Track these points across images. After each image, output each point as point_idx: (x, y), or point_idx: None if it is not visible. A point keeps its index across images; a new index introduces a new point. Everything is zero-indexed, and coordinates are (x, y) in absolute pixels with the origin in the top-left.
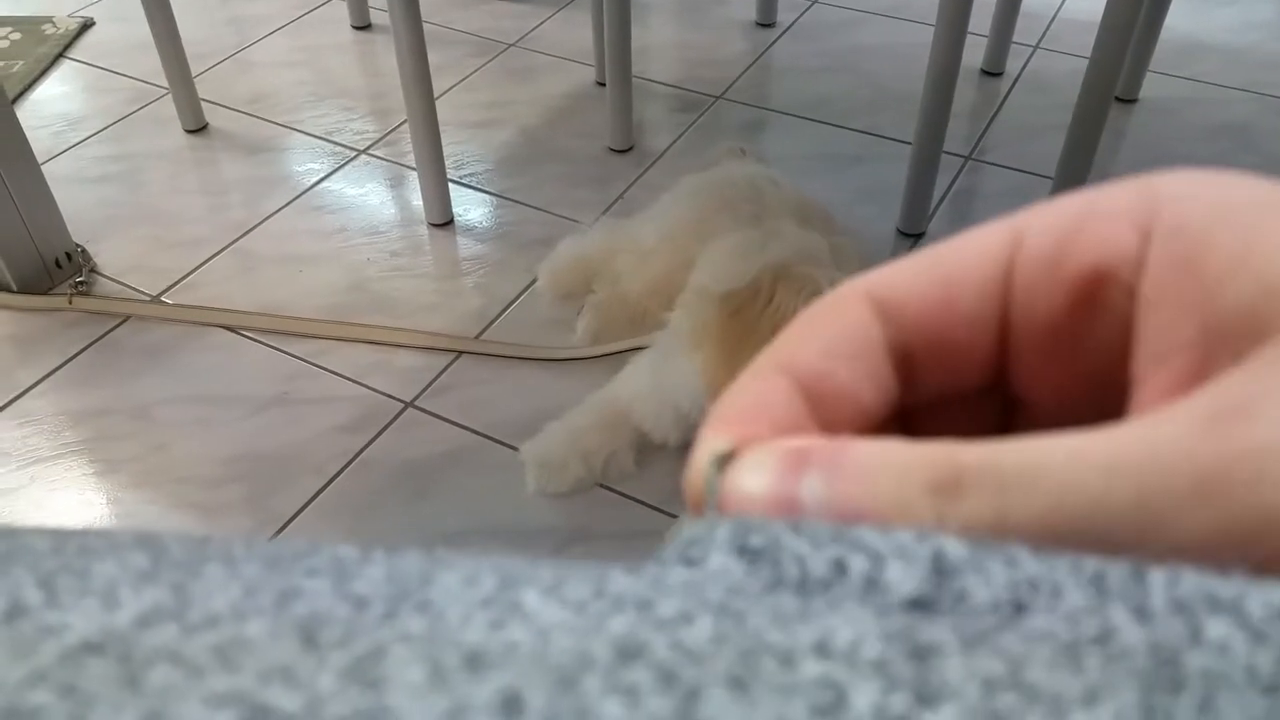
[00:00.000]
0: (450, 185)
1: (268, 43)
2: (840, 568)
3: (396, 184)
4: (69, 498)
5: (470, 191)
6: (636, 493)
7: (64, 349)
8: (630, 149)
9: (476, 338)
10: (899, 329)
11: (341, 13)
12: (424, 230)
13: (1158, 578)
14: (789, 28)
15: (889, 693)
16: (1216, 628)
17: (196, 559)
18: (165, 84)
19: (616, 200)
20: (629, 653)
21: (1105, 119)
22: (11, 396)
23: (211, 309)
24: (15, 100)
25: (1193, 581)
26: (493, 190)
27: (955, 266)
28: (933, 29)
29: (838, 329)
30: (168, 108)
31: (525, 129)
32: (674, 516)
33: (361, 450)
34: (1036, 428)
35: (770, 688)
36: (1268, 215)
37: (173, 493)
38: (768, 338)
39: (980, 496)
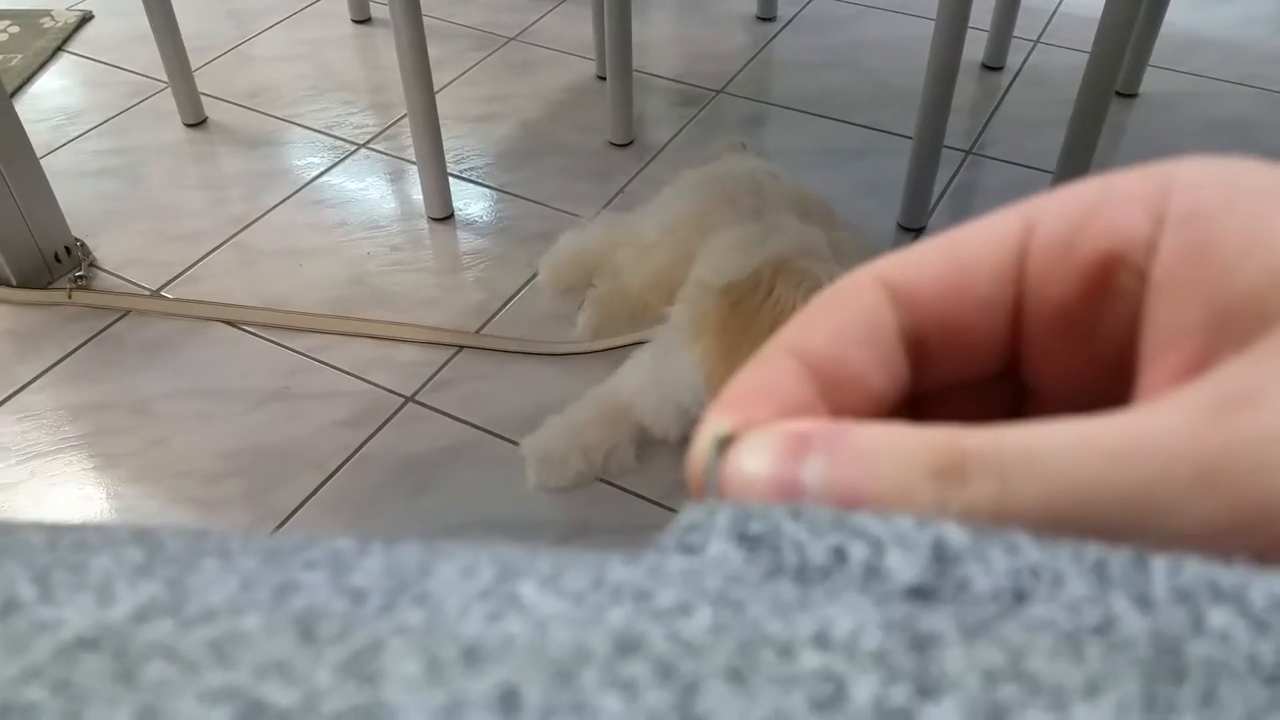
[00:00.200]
0: (450, 179)
1: (267, 36)
2: (840, 555)
3: (397, 178)
4: (68, 492)
5: (470, 185)
6: (637, 487)
7: (63, 343)
8: (631, 143)
9: (477, 332)
10: (911, 314)
11: (341, 6)
12: (424, 224)
13: (1159, 566)
14: (790, 22)
15: (889, 684)
16: (1218, 617)
17: (193, 553)
18: (164, 78)
19: (617, 194)
20: (627, 645)
21: (1105, 114)
22: (11, 391)
23: (211, 303)
24: (14, 94)
25: (1195, 570)
26: (493, 184)
27: (969, 251)
28: (933, 23)
29: (850, 314)
30: (167, 101)
31: (525, 123)
32: (674, 511)
33: (362, 445)
34: (1048, 415)
35: (769, 680)
36: (1277, 202)
37: (172, 487)
38: (767, 331)
39: (982, 481)
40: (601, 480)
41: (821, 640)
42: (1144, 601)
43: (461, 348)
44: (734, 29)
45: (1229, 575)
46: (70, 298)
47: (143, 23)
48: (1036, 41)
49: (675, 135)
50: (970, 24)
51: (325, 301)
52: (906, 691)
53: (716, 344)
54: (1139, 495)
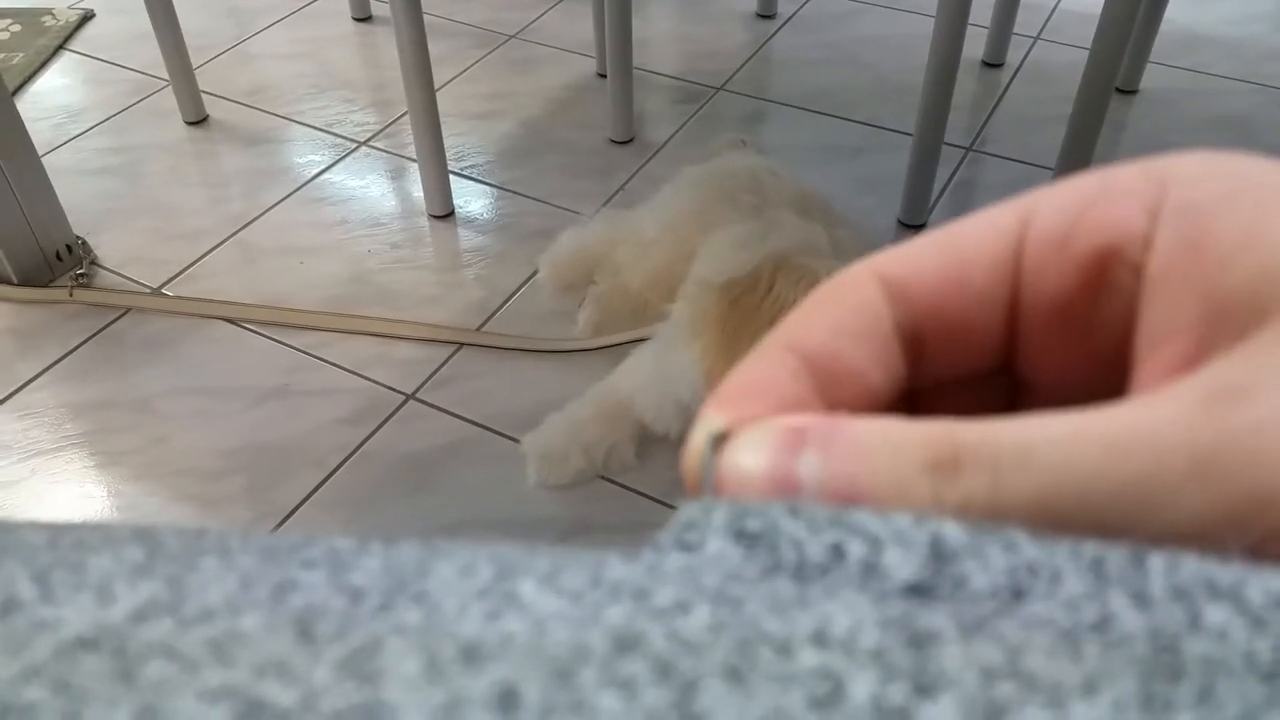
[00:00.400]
0: (451, 177)
1: (268, 34)
2: (838, 553)
3: (397, 176)
4: (70, 490)
5: (471, 183)
6: (637, 484)
7: (64, 341)
8: (631, 140)
9: (478, 330)
10: (908, 309)
11: (342, 4)
12: (425, 222)
13: (1157, 563)
14: (789, 19)
15: (887, 683)
16: (1216, 614)
17: (192, 552)
18: (165, 76)
19: (617, 192)
20: (626, 644)
21: (1105, 110)
22: (12, 389)
23: (212, 301)
24: (15, 92)
25: (1192, 568)
26: (493, 182)
27: (965, 246)
28: (933, 20)
29: (847, 308)
30: (168, 100)
31: (526, 120)
32: (675, 508)
33: (362, 443)
34: (1043, 409)
35: (767, 678)
36: (1274, 198)
37: (173, 485)
38: (767, 327)
39: (977, 474)
40: (602, 477)
41: (819, 638)
42: (1141, 599)
43: (462, 345)
44: (734, 26)
45: (1226, 573)
46: (71, 296)
47: (144, 21)
48: (1036, 38)
49: (675, 132)
50: (970, 20)
51: (326, 299)
52: (904, 689)
53: (716, 341)
54: (1133, 487)
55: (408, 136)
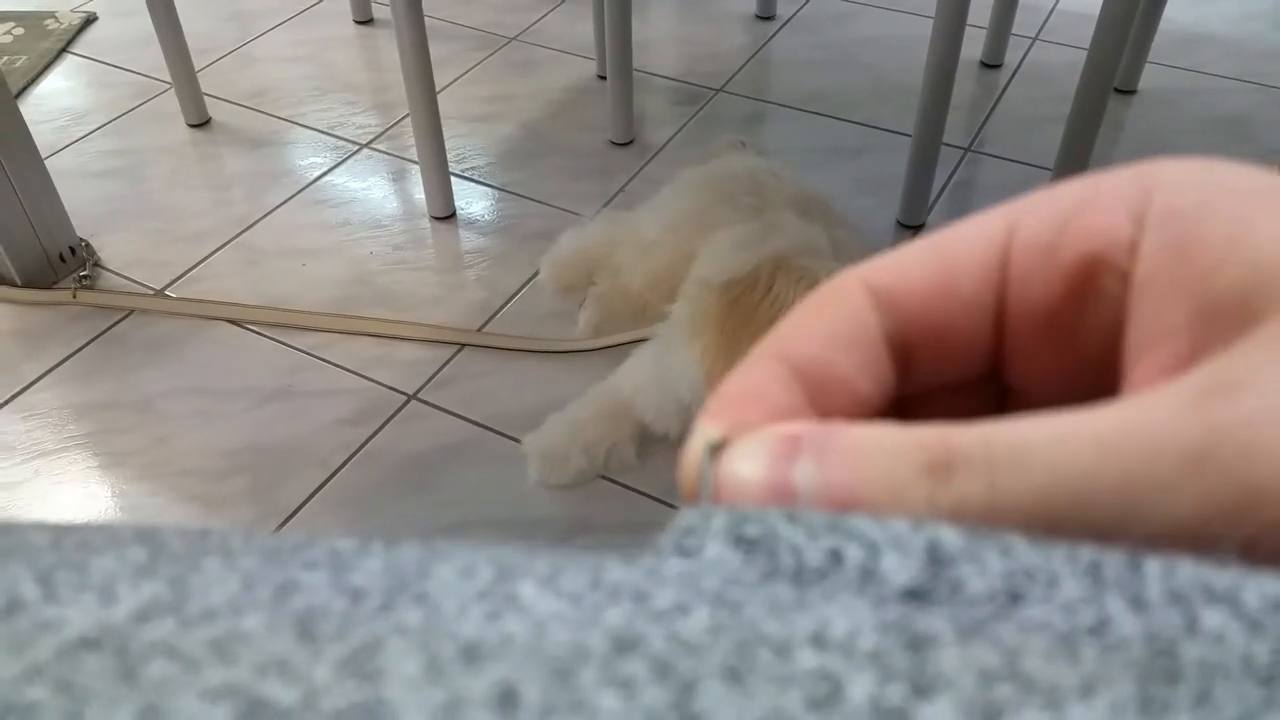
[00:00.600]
0: (452, 179)
1: (270, 37)
2: (836, 558)
3: (399, 178)
4: (73, 491)
5: (472, 185)
6: (638, 484)
7: (68, 343)
8: (631, 142)
9: (479, 330)
10: (896, 317)
11: (344, 7)
12: (426, 224)
13: (1153, 568)
14: (789, 21)
15: (885, 684)
16: (1212, 618)
17: (195, 553)
18: (168, 79)
19: (617, 193)
20: (625, 644)
21: (1104, 110)
22: (16, 390)
23: (215, 302)
24: (18, 95)
25: (1188, 572)
26: (494, 183)
27: (951, 254)
28: (932, 21)
29: (835, 318)
30: (170, 102)
31: (527, 122)
32: (675, 508)
33: (365, 443)
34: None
35: (766, 679)
36: (1259, 202)
37: (176, 485)
38: (766, 328)
39: (971, 477)
40: (603, 477)
41: (818, 640)
42: (1138, 603)
43: (463, 346)
44: (733, 28)
45: (1222, 577)
46: (74, 297)
47: (146, 24)
48: (1035, 39)
49: (675, 134)
50: (969, 21)
51: (328, 300)
52: (902, 691)
53: (716, 341)
54: (1127, 485)
55: (409, 139)
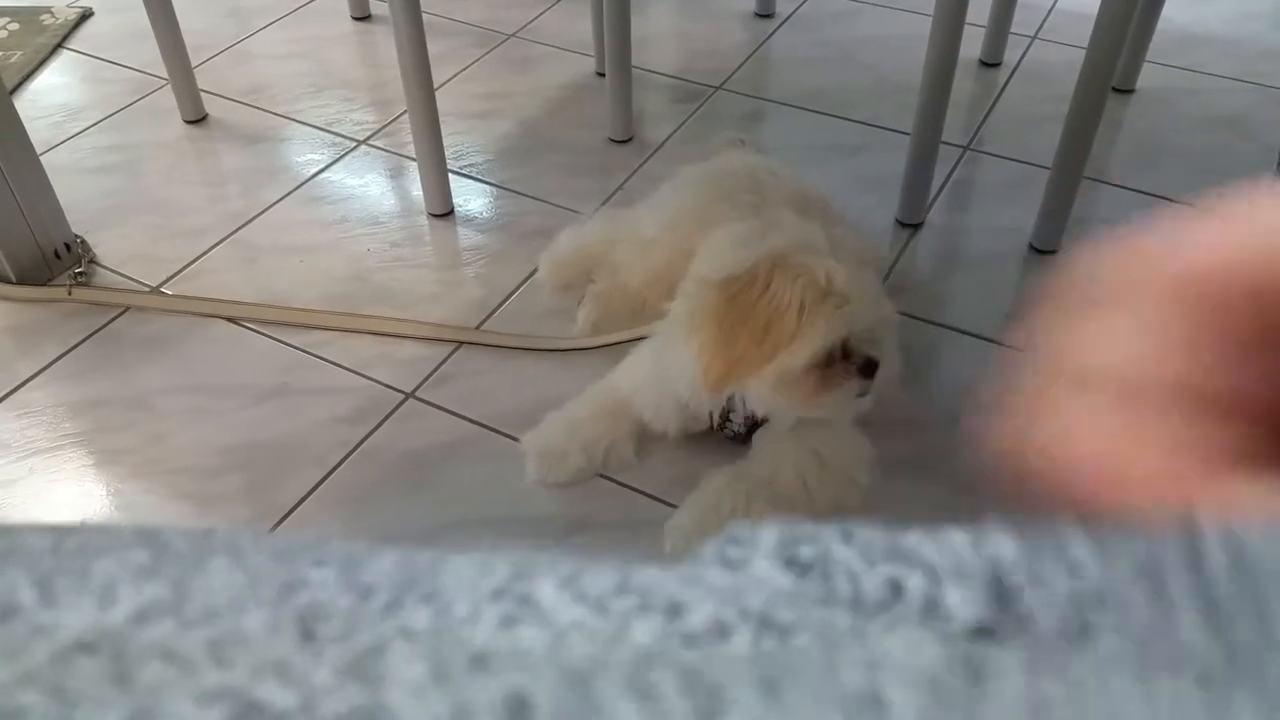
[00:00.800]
0: (450, 176)
1: (267, 33)
2: (896, 589)
3: (396, 174)
4: (68, 489)
5: (470, 182)
6: (636, 482)
7: (63, 340)
8: (630, 139)
9: (477, 328)
10: None
11: (341, 3)
12: (424, 221)
13: (1217, 566)
14: (788, 18)
15: (936, 705)
16: None
17: (201, 553)
18: (164, 74)
19: (616, 191)
20: (651, 663)
21: (1102, 109)
22: (11, 388)
23: (211, 300)
24: (14, 91)
25: (1252, 572)
26: (493, 181)
27: None
28: (931, 20)
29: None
30: (167, 98)
31: (525, 120)
32: (674, 506)
33: (362, 441)
34: None
35: (806, 692)
36: None
37: (172, 484)
38: (763, 324)
39: None
40: (601, 475)
41: (871, 665)
42: (1211, 608)
43: (461, 344)
44: (732, 25)
45: None
46: (70, 294)
47: (142, 19)
48: (1034, 38)
49: (674, 131)
50: (968, 20)
51: (325, 298)
52: (956, 716)
53: (714, 337)
54: None
55: (407, 135)
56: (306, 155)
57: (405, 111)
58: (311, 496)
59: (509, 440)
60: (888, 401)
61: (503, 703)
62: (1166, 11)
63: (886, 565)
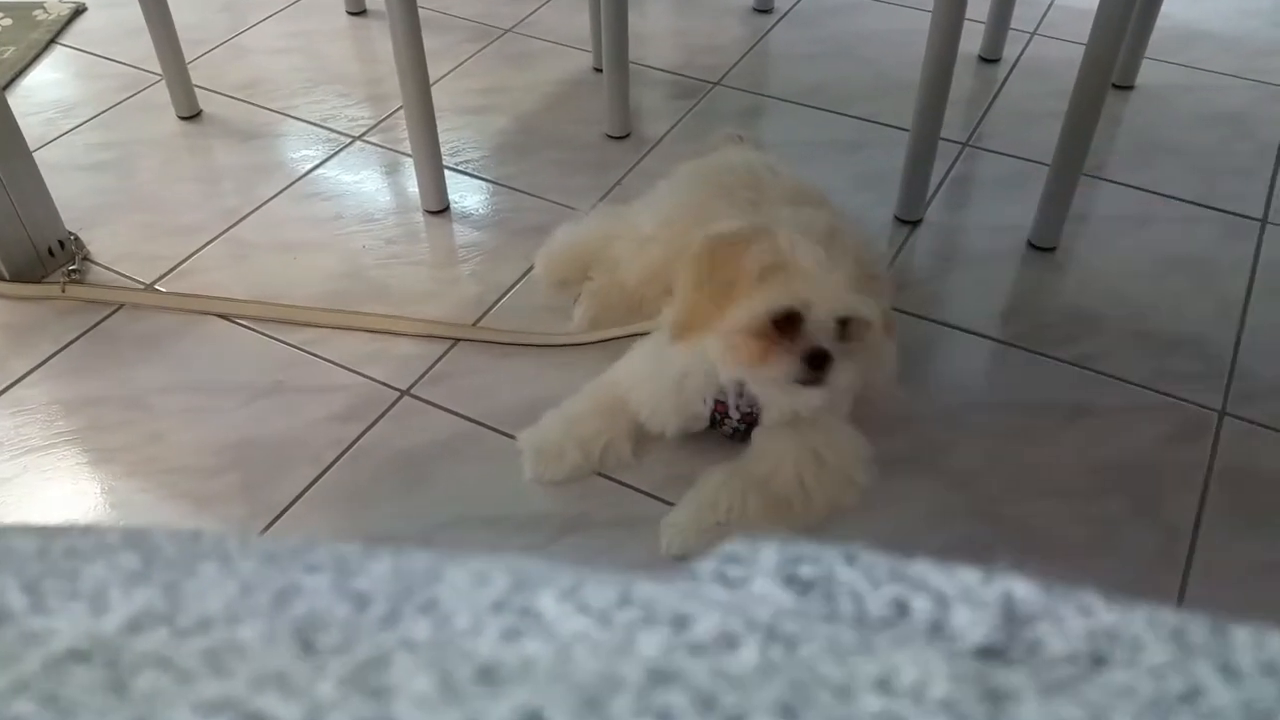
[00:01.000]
0: (446, 172)
1: (262, 28)
2: (902, 608)
3: (392, 171)
4: (62, 487)
5: (466, 178)
6: (634, 480)
7: (57, 338)
8: (627, 135)
9: (473, 325)
10: None
11: None
12: (420, 217)
13: (1241, 635)
14: (786, 14)
15: None
16: None
17: (190, 557)
18: (158, 70)
19: (614, 187)
20: (664, 676)
21: (1102, 106)
22: (4, 385)
23: (205, 297)
24: (6, 87)
25: (1277, 643)
26: (489, 177)
27: None
28: (930, 15)
29: None
30: (161, 94)
31: (522, 115)
32: (671, 504)
33: (357, 439)
34: None
35: (824, 719)
36: None
37: (166, 482)
38: (728, 280)
39: None
40: (598, 473)
41: (884, 685)
42: (1230, 672)
43: (457, 341)
44: (730, 21)
45: None
46: (64, 292)
47: (136, 15)
48: (1033, 34)
49: (672, 128)
50: (967, 16)
51: (320, 295)
52: None
53: (688, 283)
54: None
55: (402, 131)
56: (301, 151)
57: (401, 107)
58: (306, 494)
59: (505, 438)
60: (886, 399)
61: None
62: (1166, 8)
63: (891, 586)
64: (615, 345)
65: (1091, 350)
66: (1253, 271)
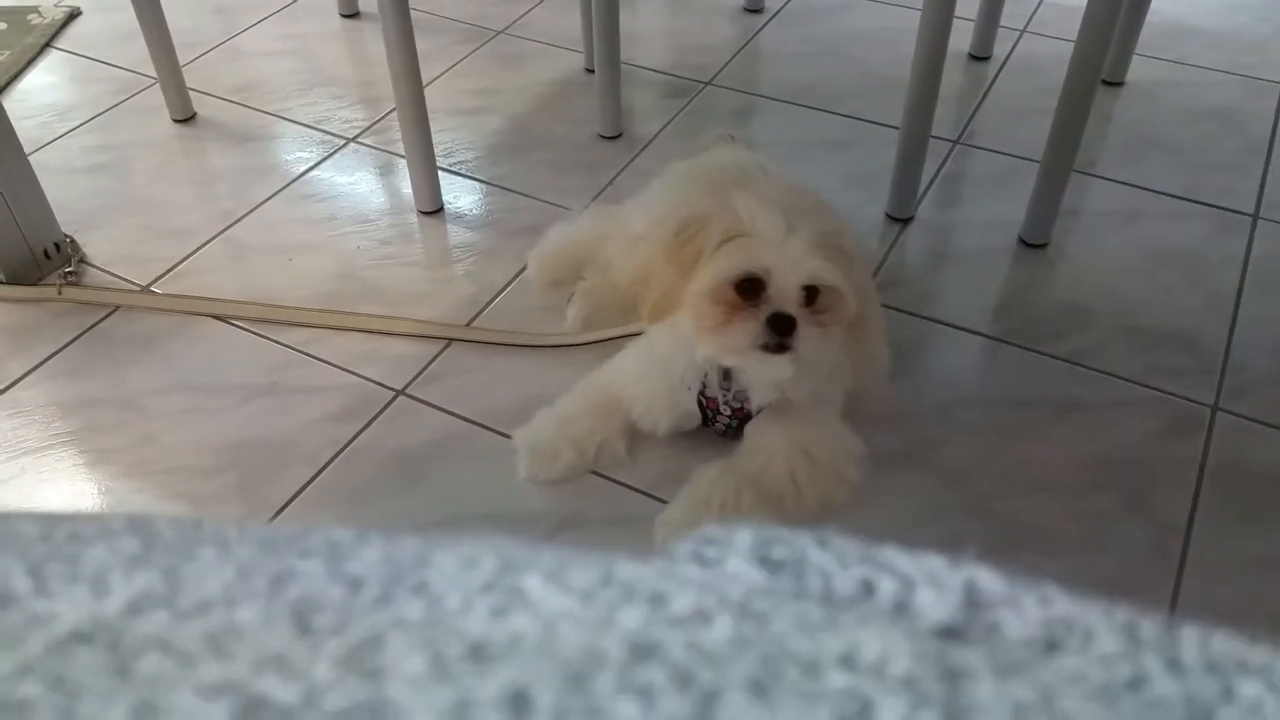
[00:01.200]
0: (440, 173)
1: (256, 31)
2: (868, 588)
3: (386, 172)
4: (59, 488)
5: (460, 179)
6: (628, 478)
7: (54, 339)
8: (619, 135)
9: (467, 325)
10: None
11: (329, 1)
12: (414, 218)
13: (1190, 634)
14: (777, 13)
15: (917, 708)
16: (1249, 689)
17: (189, 543)
18: (153, 73)
19: (606, 187)
20: (643, 651)
21: (1092, 102)
22: (1, 387)
23: (201, 299)
24: (2, 91)
25: (1224, 644)
26: (482, 177)
27: None
28: (920, 14)
29: None
30: (155, 97)
31: (514, 116)
32: (665, 501)
33: (352, 439)
34: None
35: (793, 695)
36: None
37: (163, 483)
38: (693, 255)
39: None
40: (593, 472)
41: (848, 661)
42: (1175, 666)
43: (451, 341)
44: (721, 21)
45: (1255, 653)
46: (60, 294)
47: (131, 18)
48: (1023, 31)
49: (664, 127)
50: (957, 14)
51: (315, 296)
52: (935, 717)
53: (656, 268)
54: None
55: (396, 133)
56: (295, 153)
57: (394, 109)
58: (302, 494)
59: (500, 437)
60: (877, 396)
61: (504, 697)
62: (1155, 4)
63: (860, 568)
64: (608, 344)
65: (1083, 346)
66: (1244, 266)
